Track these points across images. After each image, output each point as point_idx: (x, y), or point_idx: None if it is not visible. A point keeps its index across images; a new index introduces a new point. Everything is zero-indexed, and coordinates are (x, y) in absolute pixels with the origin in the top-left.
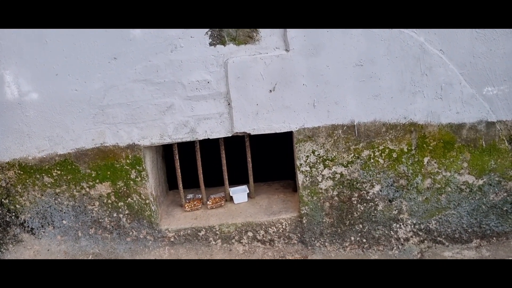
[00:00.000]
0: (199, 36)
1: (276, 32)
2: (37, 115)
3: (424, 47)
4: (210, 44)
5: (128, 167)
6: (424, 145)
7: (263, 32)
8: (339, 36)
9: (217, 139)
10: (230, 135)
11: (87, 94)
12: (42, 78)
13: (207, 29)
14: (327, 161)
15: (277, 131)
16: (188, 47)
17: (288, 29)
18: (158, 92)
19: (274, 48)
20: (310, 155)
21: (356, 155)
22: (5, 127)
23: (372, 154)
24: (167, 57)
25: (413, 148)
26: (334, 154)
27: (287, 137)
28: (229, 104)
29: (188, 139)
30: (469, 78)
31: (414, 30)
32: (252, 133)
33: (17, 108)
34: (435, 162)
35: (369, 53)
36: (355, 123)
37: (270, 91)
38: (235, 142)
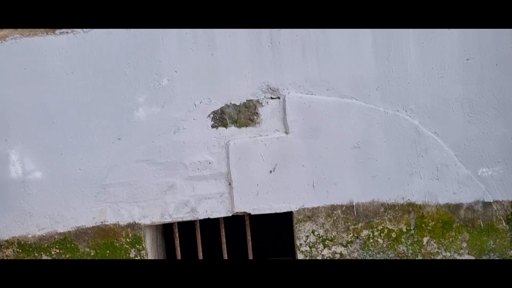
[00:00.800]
0: (202, 118)
1: (276, 115)
2: (39, 194)
3: (419, 130)
4: (212, 126)
5: (127, 246)
6: (423, 225)
7: (264, 115)
8: (336, 119)
9: (217, 218)
10: (230, 215)
11: (90, 173)
12: (46, 157)
13: (209, 112)
14: (327, 241)
15: (277, 211)
16: (190, 129)
17: (287, 113)
18: (160, 172)
19: (274, 130)
20: (310, 235)
21: (355, 235)
22: (6, 205)
23: (371, 234)
24: (170, 138)
25: (412, 228)
26: (333, 234)
27: (287, 216)
28: (229, 184)
29: (189, 219)
30: (464, 160)
31: (409, 113)
32: (252, 213)
33: (20, 186)
34: (434, 242)
35: (366, 135)
36: (354, 203)
37: (270, 171)
38: (235, 219)
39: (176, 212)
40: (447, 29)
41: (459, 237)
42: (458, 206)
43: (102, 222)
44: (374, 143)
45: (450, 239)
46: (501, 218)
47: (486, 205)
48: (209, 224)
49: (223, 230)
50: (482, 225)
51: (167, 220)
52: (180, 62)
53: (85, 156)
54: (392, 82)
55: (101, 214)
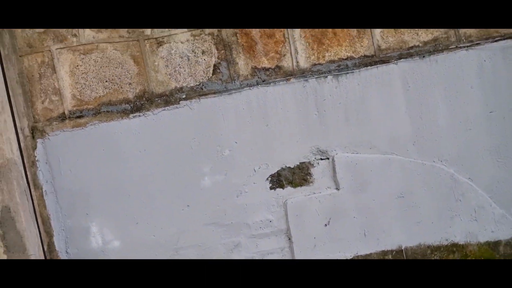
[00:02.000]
0: (261, 182)
1: (327, 174)
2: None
3: (455, 177)
4: (271, 188)
5: None
6: None
7: (316, 175)
8: (381, 173)
9: None
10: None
11: (162, 238)
12: (124, 227)
13: (267, 176)
14: None
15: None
16: (251, 192)
17: (336, 171)
18: (225, 232)
19: (326, 187)
20: None
21: None
22: None
23: None
24: (233, 202)
25: None
26: None
27: None
28: (289, 239)
29: None
30: (498, 200)
31: (444, 163)
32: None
33: (100, 255)
34: None
35: (408, 186)
36: (403, 248)
37: (325, 225)
38: None
39: None
40: (470, 87)
41: None
42: (497, 243)
43: None
44: (415, 192)
45: None
46: None
47: None
48: None
49: None
50: None
51: None
52: (239, 134)
53: (158, 223)
54: (426, 137)
55: None
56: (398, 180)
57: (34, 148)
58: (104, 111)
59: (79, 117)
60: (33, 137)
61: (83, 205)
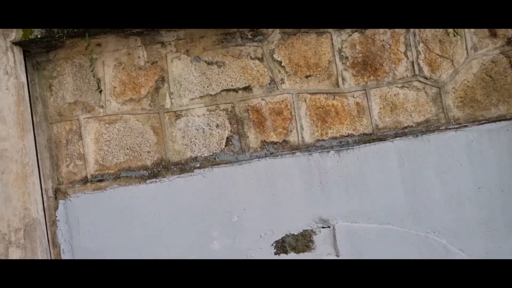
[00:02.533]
0: (266, 247)
1: (328, 241)
2: None
3: (447, 248)
4: (275, 253)
5: None
6: None
7: (318, 242)
8: (378, 242)
9: None
10: None
11: None
12: None
13: (272, 241)
14: None
15: None
16: (257, 256)
17: (337, 239)
18: None
19: (327, 254)
20: None
21: None
22: None
23: None
24: None
25: None
26: None
27: None
28: None
29: None
30: None
31: (437, 234)
32: None
33: None
34: None
35: (404, 255)
36: None
37: None
38: None
39: None
40: (459, 164)
41: None
42: None
43: None
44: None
45: None
46: None
47: None
48: None
49: None
50: None
51: None
52: (247, 202)
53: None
54: (420, 209)
55: None
56: (394, 249)
57: (56, 208)
58: (123, 176)
59: (100, 180)
60: (56, 198)
61: None
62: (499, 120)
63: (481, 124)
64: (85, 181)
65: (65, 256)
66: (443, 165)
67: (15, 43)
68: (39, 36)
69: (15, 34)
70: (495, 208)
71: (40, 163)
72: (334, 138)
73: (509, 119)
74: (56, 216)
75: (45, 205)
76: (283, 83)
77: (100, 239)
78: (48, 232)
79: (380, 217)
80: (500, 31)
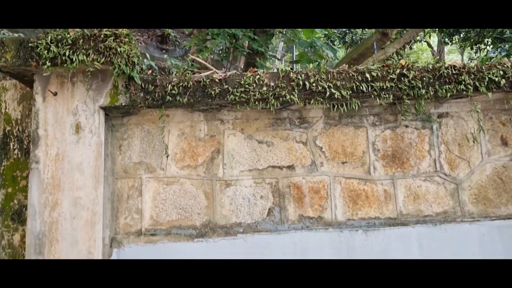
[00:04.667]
0: None
1: None
2: None
3: None
4: None
5: None
6: None
7: None
8: None
9: None
10: None
11: None
12: None
13: None
14: None
15: None
16: None
17: None
18: None
19: None
20: None
21: None
22: None
23: None
24: None
25: None
26: None
27: None
28: None
29: None
30: None
31: None
32: None
33: None
34: None
35: None
36: None
37: None
38: None
39: None
40: (471, 254)
41: None
42: None
43: None
44: None
45: None
46: None
47: None
48: None
49: None
50: None
51: None
52: None
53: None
54: None
55: None
56: None
57: (110, 255)
58: (174, 233)
59: (152, 234)
60: (111, 246)
61: None
62: (509, 218)
63: (492, 220)
64: (139, 233)
65: None
66: (457, 253)
67: (102, 108)
68: (123, 104)
69: (103, 99)
70: None
71: (102, 214)
72: (363, 219)
73: None
74: None
75: (101, 251)
76: (322, 166)
77: None
78: None
79: None
80: (510, 141)
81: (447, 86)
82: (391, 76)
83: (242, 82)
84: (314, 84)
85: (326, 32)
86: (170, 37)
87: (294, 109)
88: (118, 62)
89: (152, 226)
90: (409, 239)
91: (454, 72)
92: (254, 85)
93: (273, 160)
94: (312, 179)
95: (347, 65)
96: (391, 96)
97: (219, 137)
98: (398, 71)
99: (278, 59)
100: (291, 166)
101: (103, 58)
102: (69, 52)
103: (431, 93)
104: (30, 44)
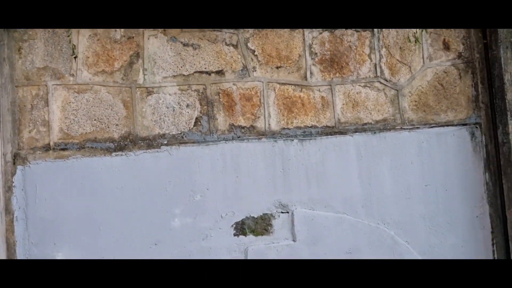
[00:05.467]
0: (226, 228)
1: (286, 226)
2: None
3: (395, 239)
4: (234, 235)
5: None
6: None
7: (276, 226)
8: (333, 230)
9: None
10: None
11: None
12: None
13: (233, 223)
14: None
15: None
16: (216, 237)
17: (295, 224)
18: None
19: (284, 238)
20: None
21: None
22: None
23: None
24: (199, 244)
25: None
26: None
27: None
28: None
29: None
30: None
31: (386, 226)
32: None
33: None
34: None
35: (356, 243)
36: None
37: None
38: None
39: None
40: (410, 162)
41: None
42: None
43: None
44: (362, 249)
45: None
46: None
47: None
48: None
49: None
50: None
51: None
52: (211, 182)
53: (125, 258)
54: (373, 201)
55: None
56: (347, 237)
57: (13, 174)
58: (88, 147)
59: (63, 149)
60: (14, 163)
61: (52, 235)
62: (447, 125)
63: (432, 127)
64: (47, 148)
65: (18, 224)
66: (396, 162)
67: None
68: None
69: None
70: (439, 205)
71: (1, 126)
72: (299, 128)
73: (455, 125)
74: (13, 182)
75: (2, 169)
76: (255, 71)
77: (57, 209)
78: (2, 197)
79: (336, 206)
80: (453, 45)
81: None
82: None
83: None
84: None
85: None
86: None
87: None
88: None
89: (62, 140)
90: (347, 148)
91: None
92: None
93: (200, 64)
94: (244, 85)
95: None
96: None
97: (138, 39)
98: None
99: None
100: (221, 71)
101: None
102: None
103: None
104: None
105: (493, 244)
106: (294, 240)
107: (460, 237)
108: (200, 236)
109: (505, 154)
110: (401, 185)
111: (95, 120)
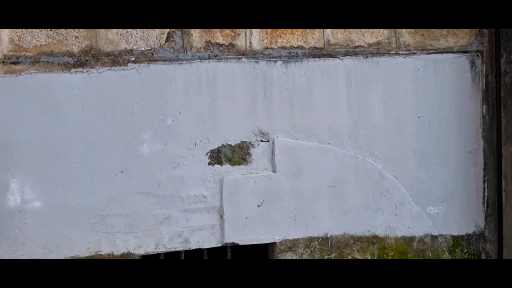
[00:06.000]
0: (200, 156)
1: (266, 156)
2: (35, 223)
3: (382, 173)
4: (209, 164)
5: None
6: (384, 255)
7: (255, 156)
8: (316, 161)
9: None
10: (220, 245)
11: (89, 204)
12: (48, 187)
13: (207, 151)
14: None
15: (263, 242)
16: (189, 165)
17: (275, 154)
18: (158, 204)
19: (263, 169)
20: None
21: None
22: None
23: None
24: (170, 173)
25: (375, 257)
26: None
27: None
28: (221, 216)
29: (181, 249)
30: (416, 199)
31: (374, 159)
32: (240, 243)
33: (17, 215)
34: None
35: (340, 176)
36: (328, 236)
37: (258, 206)
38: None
39: (170, 242)
40: (403, 91)
41: None
42: (411, 239)
43: (96, 252)
44: (346, 183)
45: None
46: (445, 250)
47: (433, 238)
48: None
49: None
50: (430, 255)
51: (161, 250)
52: (184, 105)
53: (87, 187)
54: (361, 132)
55: (96, 244)
56: (332, 170)
57: None
58: (43, 61)
59: (14, 63)
60: None
61: (5, 159)
62: (447, 52)
63: (429, 53)
64: None
65: None
66: (388, 90)
67: None
68: None
69: None
70: (431, 138)
71: None
72: (283, 48)
73: (455, 52)
74: None
75: None
76: None
77: (10, 131)
78: None
79: (321, 136)
80: None
81: None
82: None
83: None
84: None
85: None
86: None
87: None
88: None
89: (13, 52)
90: (336, 73)
91: None
92: None
93: None
94: None
95: None
96: None
97: None
98: None
99: None
100: None
101: None
102: None
103: None
104: None
105: (484, 181)
106: (274, 171)
107: (450, 173)
108: (171, 164)
109: (507, 85)
110: (392, 116)
111: (51, 31)
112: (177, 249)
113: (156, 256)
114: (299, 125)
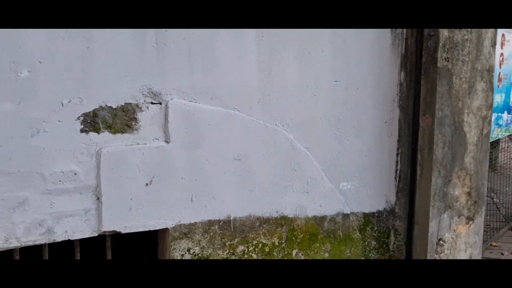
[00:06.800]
0: (69, 121)
1: (156, 122)
2: None
3: (294, 145)
4: (82, 131)
5: None
6: (293, 237)
7: (143, 122)
8: (219, 130)
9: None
10: (96, 235)
11: None
12: None
13: (79, 114)
14: (203, 259)
15: (152, 229)
16: (53, 133)
17: (169, 120)
18: (8, 184)
19: (153, 138)
20: (185, 253)
21: (231, 251)
22: None
23: (246, 250)
24: (26, 143)
25: (283, 241)
26: (209, 251)
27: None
28: (98, 198)
29: (43, 241)
30: (329, 174)
31: (285, 128)
32: (123, 231)
33: None
34: (302, 254)
35: (247, 148)
36: (231, 218)
37: (147, 184)
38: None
39: (27, 234)
40: (321, 50)
41: (323, 248)
42: (323, 219)
43: None
44: (253, 156)
45: (315, 250)
46: (356, 228)
47: (345, 216)
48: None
49: (79, 254)
50: (341, 236)
51: (14, 244)
52: (47, 52)
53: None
54: (272, 96)
55: None
56: (237, 140)
57: None
58: None
59: None
60: None
61: None
62: None
63: None
64: None
65: None
66: (304, 48)
67: None
68: None
69: None
70: (348, 106)
71: None
72: None
73: None
74: None
75: None
76: None
77: None
78: None
79: (226, 99)
80: None
81: None
82: None
83: None
84: None
85: None
86: None
87: None
88: None
89: None
90: None
91: None
92: None
93: None
94: None
95: None
96: None
97: None
98: None
99: None
100: None
101: None
102: None
103: None
104: None
105: (397, 154)
106: (167, 141)
107: (365, 145)
108: (27, 131)
109: (429, 49)
110: (307, 78)
111: None
112: (37, 243)
113: (8, 254)
114: (200, 85)
